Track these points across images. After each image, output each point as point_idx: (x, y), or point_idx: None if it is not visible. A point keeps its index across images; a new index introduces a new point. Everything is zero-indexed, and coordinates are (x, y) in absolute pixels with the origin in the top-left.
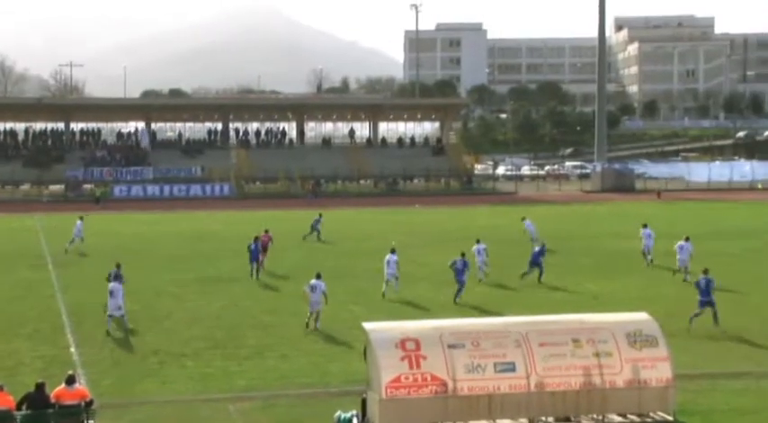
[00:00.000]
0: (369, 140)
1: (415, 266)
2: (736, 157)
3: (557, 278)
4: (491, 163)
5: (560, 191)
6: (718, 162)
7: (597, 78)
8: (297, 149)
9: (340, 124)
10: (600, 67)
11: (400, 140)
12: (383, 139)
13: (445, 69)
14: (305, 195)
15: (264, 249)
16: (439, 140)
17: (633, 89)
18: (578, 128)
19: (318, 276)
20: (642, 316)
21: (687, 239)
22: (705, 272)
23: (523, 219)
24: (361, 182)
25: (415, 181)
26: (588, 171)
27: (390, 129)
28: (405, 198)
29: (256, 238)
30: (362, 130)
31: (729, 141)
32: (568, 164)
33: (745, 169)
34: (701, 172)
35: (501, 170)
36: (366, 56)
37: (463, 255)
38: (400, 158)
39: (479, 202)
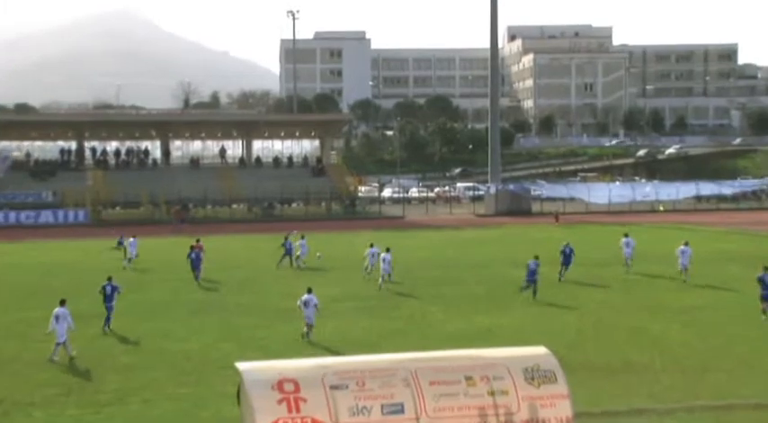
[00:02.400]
0: (242, 160)
1: (293, 299)
2: (637, 178)
3: (448, 309)
4: (376, 184)
5: (451, 214)
6: (618, 183)
7: (490, 92)
8: (161, 171)
9: (210, 143)
10: (492, 80)
11: (277, 160)
12: (258, 159)
13: (325, 82)
14: (171, 222)
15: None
16: (319, 160)
17: (528, 104)
18: (470, 146)
19: (309, 291)
20: (540, 350)
21: (687, 244)
22: (766, 268)
23: (302, 237)
24: (234, 206)
25: (294, 205)
26: (481, 193)
27: (266, 147)
28: (282, 223)
29: (192, 247)
30: (235, 148)
31: (630, 160)
32: (460, 185)
33: (646, 190)
34: (601, 193)
35: (387, 192)
36: (238, 67)
37: (537, 257)
38: (277, 180)
39: (364, 227)
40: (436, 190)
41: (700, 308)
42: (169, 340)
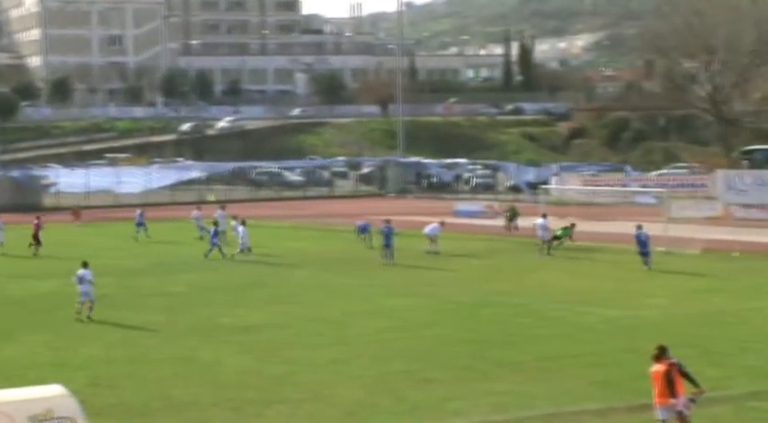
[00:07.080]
0: None
1: None
2: (181, 159)
3: None
4: None
5: None
6: (157, 166)
7: None
8: None
9: None
10: None
11: None
12: None
13: None
14: None
15: None
16: None
17: (35, 62)
18: None
19: (85, 265)
20: (55, 390)
21: (545, 216)
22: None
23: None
24: None
25: None
26: None
27: None
28: None
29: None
30: None
31: (171, 137)
32: None
33: (192, 174)
34: (135, 180)
35: None
36: None
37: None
38: None
39: None
40: None
41: (261, 326)
42: None
